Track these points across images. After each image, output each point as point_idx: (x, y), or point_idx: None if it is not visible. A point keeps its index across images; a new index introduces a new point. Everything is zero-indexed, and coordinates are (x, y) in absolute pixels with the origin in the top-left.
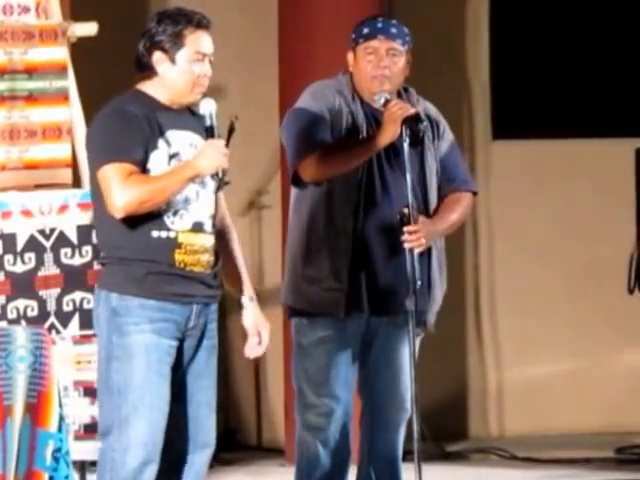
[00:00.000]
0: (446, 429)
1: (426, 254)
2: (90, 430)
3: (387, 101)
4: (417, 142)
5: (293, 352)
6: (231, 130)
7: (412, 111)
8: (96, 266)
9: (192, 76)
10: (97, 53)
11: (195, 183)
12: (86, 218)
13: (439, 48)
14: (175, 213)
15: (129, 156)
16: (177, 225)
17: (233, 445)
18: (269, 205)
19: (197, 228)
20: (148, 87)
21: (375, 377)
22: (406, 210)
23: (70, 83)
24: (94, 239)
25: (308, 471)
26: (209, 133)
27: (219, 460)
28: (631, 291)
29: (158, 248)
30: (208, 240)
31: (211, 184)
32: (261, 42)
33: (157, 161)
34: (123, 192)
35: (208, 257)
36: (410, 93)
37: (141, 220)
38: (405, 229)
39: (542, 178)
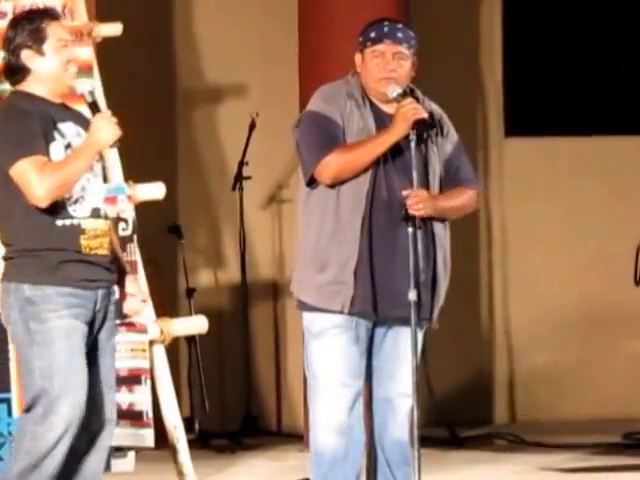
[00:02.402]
0: (459, 415)
1: (432, 252)
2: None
3: (400, 95)
4: (420, 143)
5: (304, 342)
6: (252, 126)
7: (425, 115)
8: None
9: (63, 62)
10: (122, 53)
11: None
12: (112, 212)
13: (454, 49)
14: (76, 201)
15: (37, 148)
16: (78, 212)
17: (254, 431)
18: (289, 199)
19: (95, 214)
20: (25, 87)
21: (382, 366)
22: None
23: (96, 82)
24: (119, 232)
25: (323, 457)
26: (94, 109)
27: (241, 445)
28: (638, 282)
29: (65, 236)
30: (105, 224)
31: (100, 171)
32: (282, 41)
33: (56, 152)
34: (42, 181)
35: (108, 240)
36: (415, 92)
37: (46, 212)
38: (404, 192)
39: (553, 174)
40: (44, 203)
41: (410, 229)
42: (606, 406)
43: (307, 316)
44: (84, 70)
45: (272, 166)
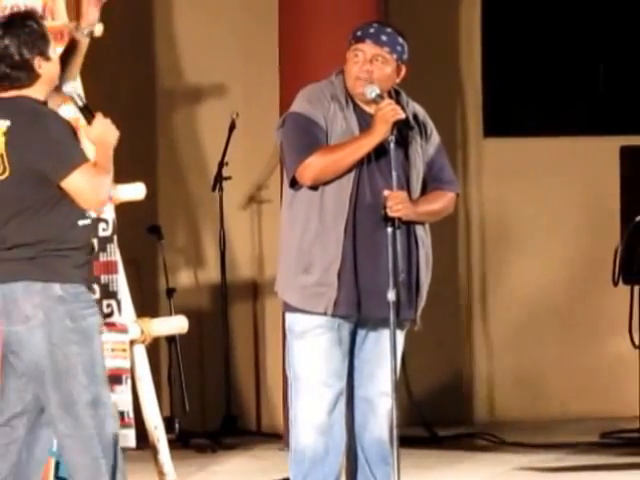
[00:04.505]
0: (438, 415)
1: (415, 252)
2: None
3: (378, 96)
4: (402, 144)
5: (287, 342)
6: (232, 127)
7: (404, 115)
8: (102, 258)
9: (58, 63)
10: (102, 53)
11: None
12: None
13: (433, 49)
14: None
15: (86, 155)
16: (90, 211)
17: (234, 430)
18: (269, 199)
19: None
20: (31, 93)
21: (363, 366)
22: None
23: (77, 82)
24: (99, 232)
25: (303, 456)
26: (86, 112)
27: (221, 445)
28: (615, 283)
29: (83, 235)
30: None
31: None
32: (262, 41)
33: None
34: (100, 187)
35: None
36: (400, 95)
37: (72, 212)
38: (386, 192)
39: (532, 174)
40: (102, 206)
41: (389, 229)
42: (584, 406)
43: (290, 317)
44: None
45: (252, 167)
